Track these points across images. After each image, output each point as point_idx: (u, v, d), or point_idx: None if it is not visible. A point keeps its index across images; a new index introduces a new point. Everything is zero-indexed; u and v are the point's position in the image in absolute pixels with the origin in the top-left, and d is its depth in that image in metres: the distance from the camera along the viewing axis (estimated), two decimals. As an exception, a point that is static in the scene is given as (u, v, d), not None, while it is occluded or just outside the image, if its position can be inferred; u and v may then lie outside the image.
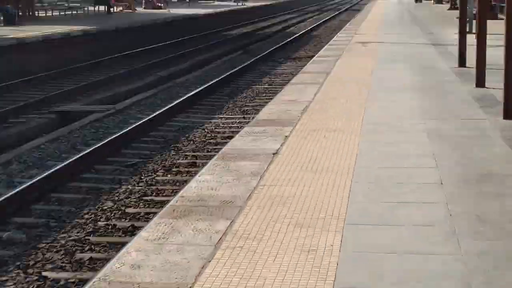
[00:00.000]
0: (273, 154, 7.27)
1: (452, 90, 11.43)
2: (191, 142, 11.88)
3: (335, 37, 24.08)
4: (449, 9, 40.78)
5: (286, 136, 8.08)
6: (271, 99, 12.31)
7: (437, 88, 11.67)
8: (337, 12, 58.01)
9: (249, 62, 22.84)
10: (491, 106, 9.79)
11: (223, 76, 19.17)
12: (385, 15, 37.33)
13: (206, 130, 12.75)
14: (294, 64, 23.03)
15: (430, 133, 8.11)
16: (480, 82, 11.47)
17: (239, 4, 60.34)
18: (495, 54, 13.61)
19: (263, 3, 63.73)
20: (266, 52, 25.88)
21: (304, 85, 12.25)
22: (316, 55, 18.38)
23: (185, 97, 15.63)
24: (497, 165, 6.74)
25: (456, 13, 34.68)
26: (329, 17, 50.70)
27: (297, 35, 34.09)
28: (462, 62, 14.27)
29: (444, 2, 53.79)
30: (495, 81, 11.26)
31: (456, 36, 20.95)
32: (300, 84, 12.48)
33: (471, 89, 11.36)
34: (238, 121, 13.43)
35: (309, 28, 38.61)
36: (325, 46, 20.62)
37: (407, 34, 23.26)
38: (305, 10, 65.03)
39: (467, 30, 15.97)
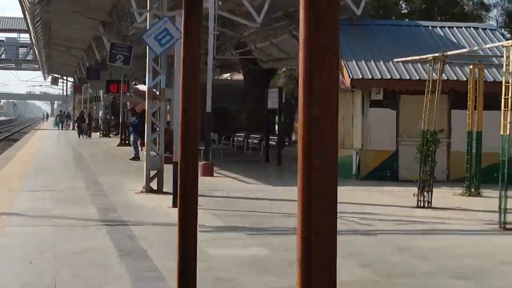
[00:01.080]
0: None
1: None
2: None
3: None
4: (118, 145, 32.46)
5: None
6: None
7: None
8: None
9: None
10: None
11: None
12: (41, 152, 27.68)
13: None
14: None
15: None
16: None
17: None
18: None
19: None
20: None
21: None
22: None
23: None
24: None
25: (128, 150, 26.42)
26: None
27: None
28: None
29: (111, 135, 45.33)
30: None
31: (141, 196, 12.85)
32: None
33: None
34: None
35: None
36: None
37: (64, 193, 13.84)
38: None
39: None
